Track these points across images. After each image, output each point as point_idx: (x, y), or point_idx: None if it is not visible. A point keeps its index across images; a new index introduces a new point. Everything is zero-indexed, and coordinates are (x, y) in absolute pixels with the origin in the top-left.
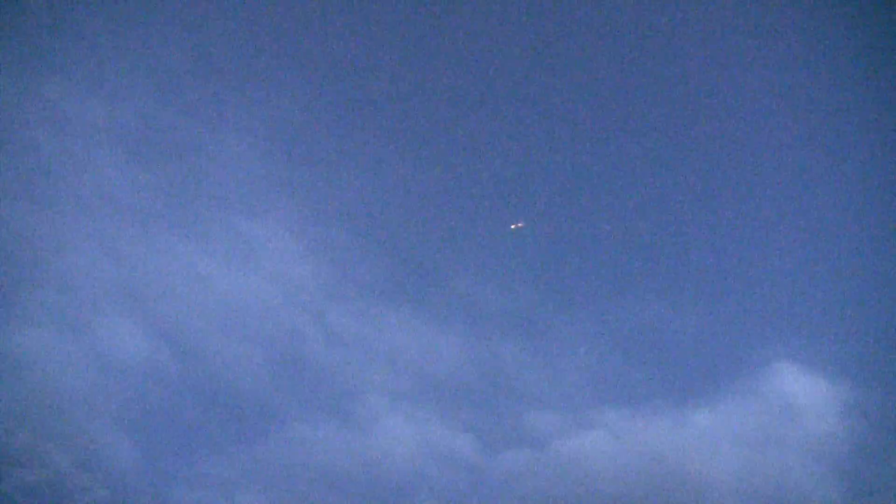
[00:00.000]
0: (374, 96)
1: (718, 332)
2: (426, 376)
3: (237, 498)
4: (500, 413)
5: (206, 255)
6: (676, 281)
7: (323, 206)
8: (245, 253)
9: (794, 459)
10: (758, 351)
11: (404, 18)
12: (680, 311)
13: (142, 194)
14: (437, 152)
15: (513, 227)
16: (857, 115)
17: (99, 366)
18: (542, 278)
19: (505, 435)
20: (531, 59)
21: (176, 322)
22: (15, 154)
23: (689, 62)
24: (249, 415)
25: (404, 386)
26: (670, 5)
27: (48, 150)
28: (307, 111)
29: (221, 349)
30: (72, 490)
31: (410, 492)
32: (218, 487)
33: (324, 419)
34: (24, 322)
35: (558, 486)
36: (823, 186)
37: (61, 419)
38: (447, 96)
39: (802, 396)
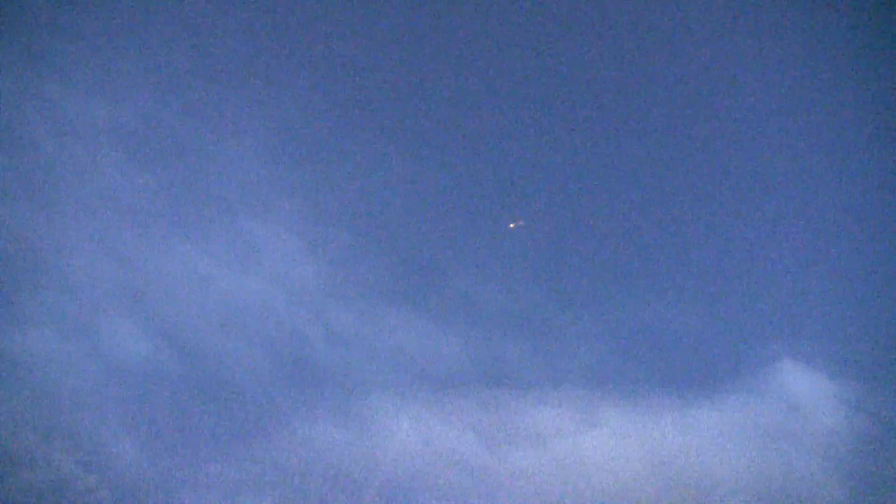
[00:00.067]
0: (375, 96)
1: (721, 330)
2: (428, 375)
3: (240, 498)
4: (503, 412)
5: (208, 255)
6: (679, 279)
7: (324, 205)
8: (246, 253)
9: (797, 457)
10: (761, 349)
11: (404, 18)
12: (683, 309)
13: (143, 195)
14: (437, 152)
15: (512, 225)
16: (858, 115)
17: (101, 367)
18: (545, 277)
19: (507, 433)
20: (532, 58)
21: (178, 322)
22: (16, 155)
23: (690, 61)
24: (252, 415)
25: (406, 385)
26: (670, 5)
27: (49, 151)
28: (307, 111)
29: (224, 349)
30: (74, 491)
31: (413, 490)
32: (221, 488)
33: (326, 419)
34: (26, 323)
35: (561, 485)
36: (825, 185)
37: (64, 420)
38: (448, 96)
39: (806, 394)
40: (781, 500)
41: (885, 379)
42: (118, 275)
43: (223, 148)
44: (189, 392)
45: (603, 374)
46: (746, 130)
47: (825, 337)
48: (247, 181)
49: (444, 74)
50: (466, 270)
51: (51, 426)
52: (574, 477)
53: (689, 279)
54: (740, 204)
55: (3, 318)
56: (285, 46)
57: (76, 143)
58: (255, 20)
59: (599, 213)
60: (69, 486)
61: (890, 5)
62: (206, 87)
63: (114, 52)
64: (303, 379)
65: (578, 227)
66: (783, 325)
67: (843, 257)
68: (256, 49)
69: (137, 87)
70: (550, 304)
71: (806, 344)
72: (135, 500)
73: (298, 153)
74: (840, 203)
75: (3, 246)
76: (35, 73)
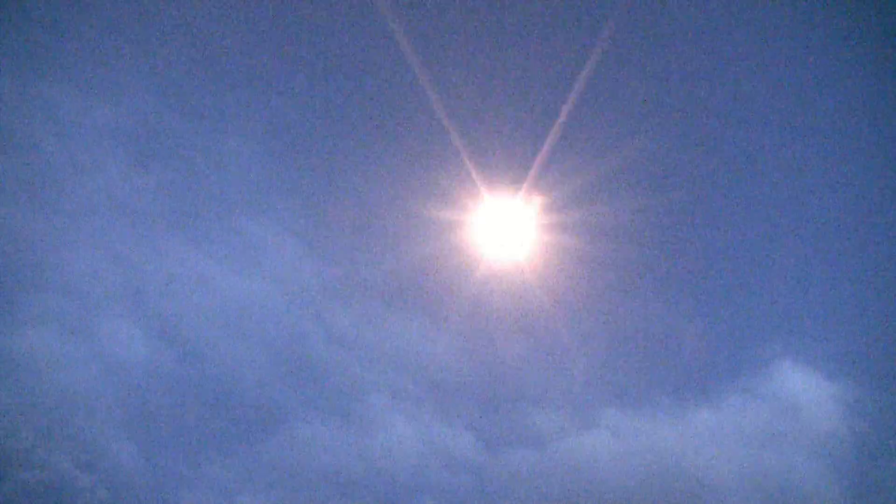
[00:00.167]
0: (375, 96)
1: (720, 330)
2: (427, 376)
3: (239, 498)
4: (502, 412)
5: (208, 256)
6: (678, 279)
7: (324, 206)
8: (246, 254)
9: (796, 458)
10: (759, 349)
11: (405, 18)
12: (681, 310)
13: (143, 195)
14: (438, 151)
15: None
16: (858, 115)
17: (101, 367)
18: (544, 277)
19: (506, 434)
20: (532, 58)
21: (178, 323)
22: (15, 156)
23: (689, 61)
24: (251, 415)
25: (406, 385)
26: (671, 5)
27: (49, 152)
28: (307, 111)
29: (223, 350)
30: (73, 491)
31: (412, 491)
32: (220, 488)
33: (326, 419)
34: (26, 324)
35: (560, 486)
36: (824, 185)
37: (63, 420)
38: (448, 96)
39: (804, 395)
40: (780, 501)
41: (885, 380)
42: (117, 275)
43: (223, 148)
44: (188, 392)
45: (602, 375)
46: (745, 133)
47: (825, 338)
48: (247, 181)
49: (444, 75)
50: (467, 270)
51: (49, 426)
52: (573, 477)
53: (688, 280)
54: (739, 204)
55: (1, 318)
56: (285, 46)
57: (76, 143)
58: (256, 20)
59: (598, 212)
60: (67, 486)
61: (890, 5)
62: (207, 87)
63: (114, 52)
64: (303, 379)
65: (578, 227)
66: (782, 326)
67: (842, 257)
68: (256, 49)
69: (137, 87)
70: (550, 305)
71: (805, 345)
72: (133, 500)
73: (298, 153)
74: (840, 203)
75: (2, 246)
76: (35, 73)
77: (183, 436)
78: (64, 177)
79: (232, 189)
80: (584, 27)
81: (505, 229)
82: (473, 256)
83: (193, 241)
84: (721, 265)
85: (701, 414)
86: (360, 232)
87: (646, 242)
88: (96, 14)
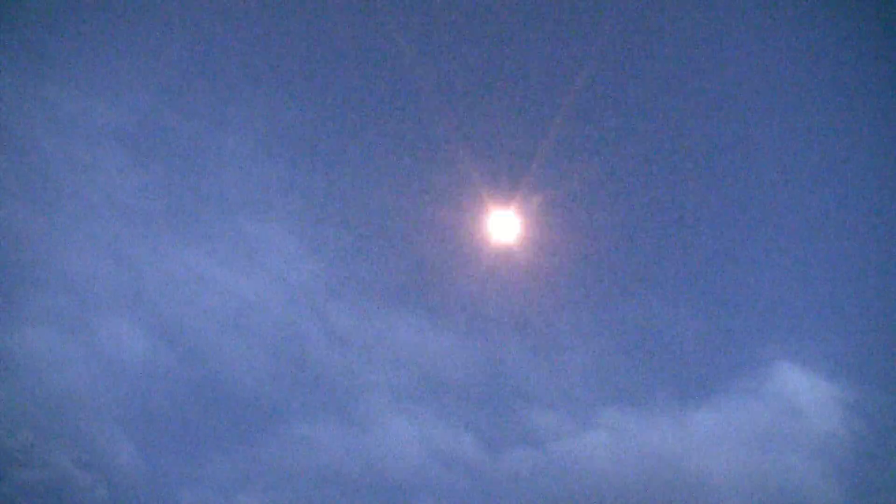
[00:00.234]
0: (375, 96)
1: (719, 331)
2: (427, 375)
3: (238, 498)
4: (502, 412)
5: (208, 255)
6: (677, 279)
7: (324, 206)
8: (246, 253)
9: (795, 459)
10: (759, 350)
11: (405, 18)
12: (681, 310)
13: (143, 195)
14: (438, 151)
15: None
16: (858, 115)
17: (100, 366)
18: (544, 277)
19: (506, 434)
20: (531, 58)
21: (177, 322)
22: (15, 155)
23: (689, 61)
24: (251, 415)
25: (406, 385)
26: (671, 4)
27: (49, 151)
28: (307, 111)
29: (223, 349)
30: (72, 490)
31: (411, 491)
32: (219, 487)
33: (325, 419)
34: (26, 322)
35: (560, 486)
36: (824, 186)
37: (62, 419)
38: (448, 96)
39: (804, 396)
40: (779, 501)
41: (884, 381)
42: (118, 274)
43: (223, 148)
44: (188, 391)
45: (602, 375)
46: (744, 133)
47: (824, 338)
48: (247, 181)
49: (444, 75)
50: (466, 270)
51: (49, 425)
52: (573, 477)
53: (687, 280)
54: (738, 206)
55: (1, 317)
56: (285, 46)
57: (76, 143)
58: (256, 20)
59: (597, 212)
60: (67, 485)
61: (890, 5)
62: (207, 87)
63: (114, 52)
64: (302, 379)
65: (577, 227)
66: (782, 326)
67: (842, 258)
68: (256, 49)
69: (138, 88)
70: (550, 305)
71: (804, 345)
72: (133, 499)
73: (298, 153)
74: (839, 203)
75: (2, 246)
76: (35, 73)
77: (183, 435)
78: (64, 177)
79: (232, 189)
80: (583, 28)
81: (504, 229)
82: (473, 256)
83: (193, 240)
84: (721, 265)
85: (701, 414)
86: (360, 232)
87: (646, 242)
88: (96, 14)
